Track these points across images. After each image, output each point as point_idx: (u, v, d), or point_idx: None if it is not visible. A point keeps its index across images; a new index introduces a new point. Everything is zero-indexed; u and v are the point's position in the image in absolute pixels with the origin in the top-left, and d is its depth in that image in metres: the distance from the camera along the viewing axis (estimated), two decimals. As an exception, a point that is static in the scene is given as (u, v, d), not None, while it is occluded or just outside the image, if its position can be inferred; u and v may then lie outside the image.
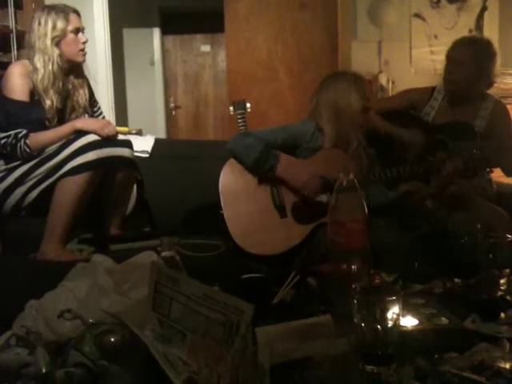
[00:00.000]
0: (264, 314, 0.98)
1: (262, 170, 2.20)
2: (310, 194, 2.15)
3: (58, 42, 2.28)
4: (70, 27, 2.29)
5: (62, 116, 2.36)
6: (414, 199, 2.25)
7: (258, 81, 4.10)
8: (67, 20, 2.28)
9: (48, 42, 2.26)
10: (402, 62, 4.22)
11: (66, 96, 2.37)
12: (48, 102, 2.27)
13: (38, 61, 2.26)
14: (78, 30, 2.32)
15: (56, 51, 2.28)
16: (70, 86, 2.38)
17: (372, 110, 2.31)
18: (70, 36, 2.30)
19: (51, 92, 2.27)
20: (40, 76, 2.26)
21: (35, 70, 2.26)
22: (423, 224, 2.20)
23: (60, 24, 2.27)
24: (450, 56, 2.43)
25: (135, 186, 2.52)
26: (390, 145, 2.43)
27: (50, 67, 2.26)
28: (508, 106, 2.58)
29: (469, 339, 1.10)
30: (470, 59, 2.35)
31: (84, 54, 2.37)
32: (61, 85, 2.31)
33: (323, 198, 2.14)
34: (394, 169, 2.16)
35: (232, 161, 2.28)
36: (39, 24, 2.27)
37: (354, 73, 2.39)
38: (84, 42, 2.34)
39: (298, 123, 2.38)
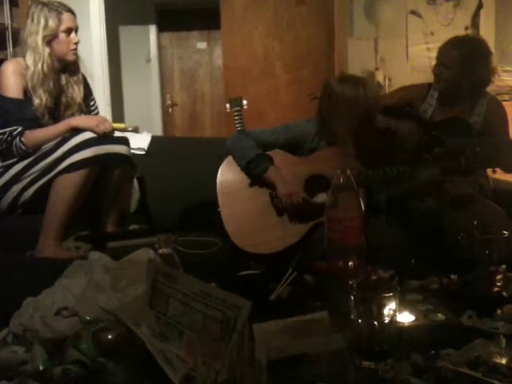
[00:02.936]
0: (261, 310, 0.98)
1: (251, 173, 2.22)
2: (306, 199, 2.15)
3: (48, 41, 2.26)
4: (62, 27, 2.27)
5: (56, 113, 2.35)
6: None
7: (254, 77, 4.10)
8: (59, 19, 2.25)
9: (39, 40, 2.24)
10: (398, 59, 4.22)
11: (59, 93, 2.35)
12: (37, 101, 2.25)
13: (30, 58, 2.25)
14: (70, 30, 2.29)
15: (47, 50, 2.25)
16: (64, 83, 2.36)
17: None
18: (62, 36, 2.27)
19: (40, 91, 2.25)
20: (30, 74, 2.24)
21: (27, 67, 2.25)
22: (420, 220, 2.21)
23: (52, 23, 2.24)
24: (439, 57, 2.43)
25: (137, 184, 2.52)
26: (388, 142, 2.43)
27: (40, 66, 2.24)
28: (504, 103, 2.58)
29: (465, 335, 1.10)
30: (457, 61, 2.35)
31: (75, 53, 2.33)
32: (51, 84, 2.29)
33: (322, 197, 2.12)
34: (395, 168, 2.15)
35: (230, 159, 2.28)
36: (32, 20, 2.25)
37: (358, 77, 2.36)
38: (76, 43, 2.31)
39: (300, 122, 2.35)
